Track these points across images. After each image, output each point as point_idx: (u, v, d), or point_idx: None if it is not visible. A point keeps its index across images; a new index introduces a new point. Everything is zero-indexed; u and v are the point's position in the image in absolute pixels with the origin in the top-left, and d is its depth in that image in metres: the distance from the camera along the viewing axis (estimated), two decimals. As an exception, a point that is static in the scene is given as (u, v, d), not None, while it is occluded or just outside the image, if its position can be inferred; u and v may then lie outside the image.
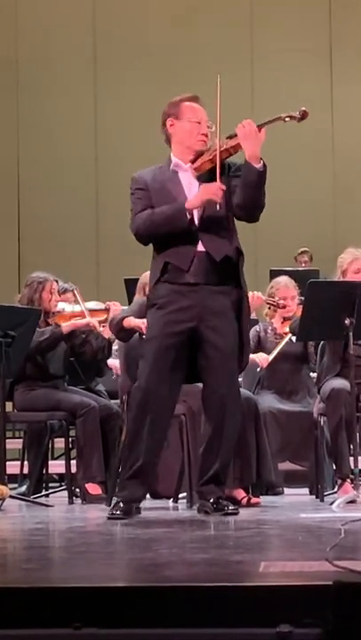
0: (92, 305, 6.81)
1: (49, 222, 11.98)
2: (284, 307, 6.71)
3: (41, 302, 6.51)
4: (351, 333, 5.64)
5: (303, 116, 5.08)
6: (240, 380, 7.03)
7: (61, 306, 6.67)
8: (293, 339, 6.54)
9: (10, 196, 12.20)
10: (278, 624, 2.56)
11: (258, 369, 6.67)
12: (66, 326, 6.46)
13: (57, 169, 12.14)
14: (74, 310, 6.66)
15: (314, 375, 6.56)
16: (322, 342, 6.23)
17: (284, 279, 6.91)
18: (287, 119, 5.10)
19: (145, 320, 5.30)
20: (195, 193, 5.10)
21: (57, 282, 6.72)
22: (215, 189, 4.99)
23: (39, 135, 12.19)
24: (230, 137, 5.09)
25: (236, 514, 5.01)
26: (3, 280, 10.88)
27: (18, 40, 12.40)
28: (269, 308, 6.86)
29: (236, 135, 5.05)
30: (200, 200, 5.02)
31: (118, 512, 4.93)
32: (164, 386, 4.99)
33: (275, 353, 6.69)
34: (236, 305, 5.12)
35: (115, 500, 5.11)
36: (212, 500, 5.04)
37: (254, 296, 6.29)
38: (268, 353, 6.78)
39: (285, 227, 11.53)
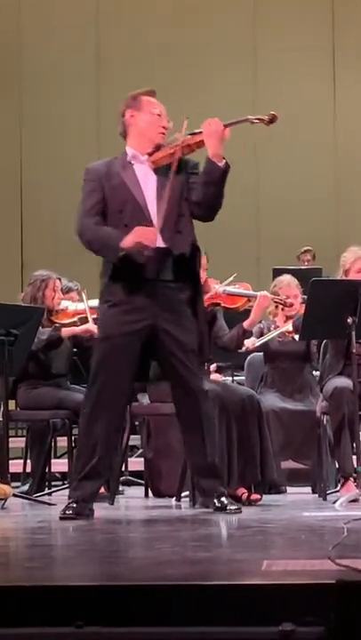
0: (96, 303, 6.81)
1: (52, 221, 11.97)
2: (291, 305, 6.70)
3: (44, 300, 6.52)
4: (354, 332, 5.64)
5: (272, 119, 4.99)
6: (243, 378, 7.06)
7: (65, 304, 6.67)
8: (296, 337, 6.54)
9: (13, 195, 12.19)
10: (281, 622, 2.55)
11: (244, 348, 6.66)
12: (65, 331, 6.47)
13: (60, 168, 12.12)
14: (77, 308, 6.66)
15: (316, 374, 6.56)
16: (324, 341, 6.23)
17: (286, 278, 6.92)
18: (255, 121, 5.03)
19: None
20: (151, 185, 5.06)
21: (60, 280, 6.72)
22: (148, 234, 4.90)
23: (42, 134, 12.19)
24: (193, 134, 5.04)
25: (238, 512, 5.01)
26: (6, 279, 10.87)
27: (21, 39, 12.39)
28: (276, 307, 6.86)
29: (200, 132, 5.01)
30: (132, 242, 4.90)
31: (70, 512, 4.89)
32: (119, 385, 4.98)
33: (267, 338, 6.70)
34: (192, 301, 5.09)
35: (69, 500, 5.05)
36: (215, 500, 5.04)
37: (262, 296, 6.29)
38: (272, 351, 6.79)
39: (288, 225, 11.52)
